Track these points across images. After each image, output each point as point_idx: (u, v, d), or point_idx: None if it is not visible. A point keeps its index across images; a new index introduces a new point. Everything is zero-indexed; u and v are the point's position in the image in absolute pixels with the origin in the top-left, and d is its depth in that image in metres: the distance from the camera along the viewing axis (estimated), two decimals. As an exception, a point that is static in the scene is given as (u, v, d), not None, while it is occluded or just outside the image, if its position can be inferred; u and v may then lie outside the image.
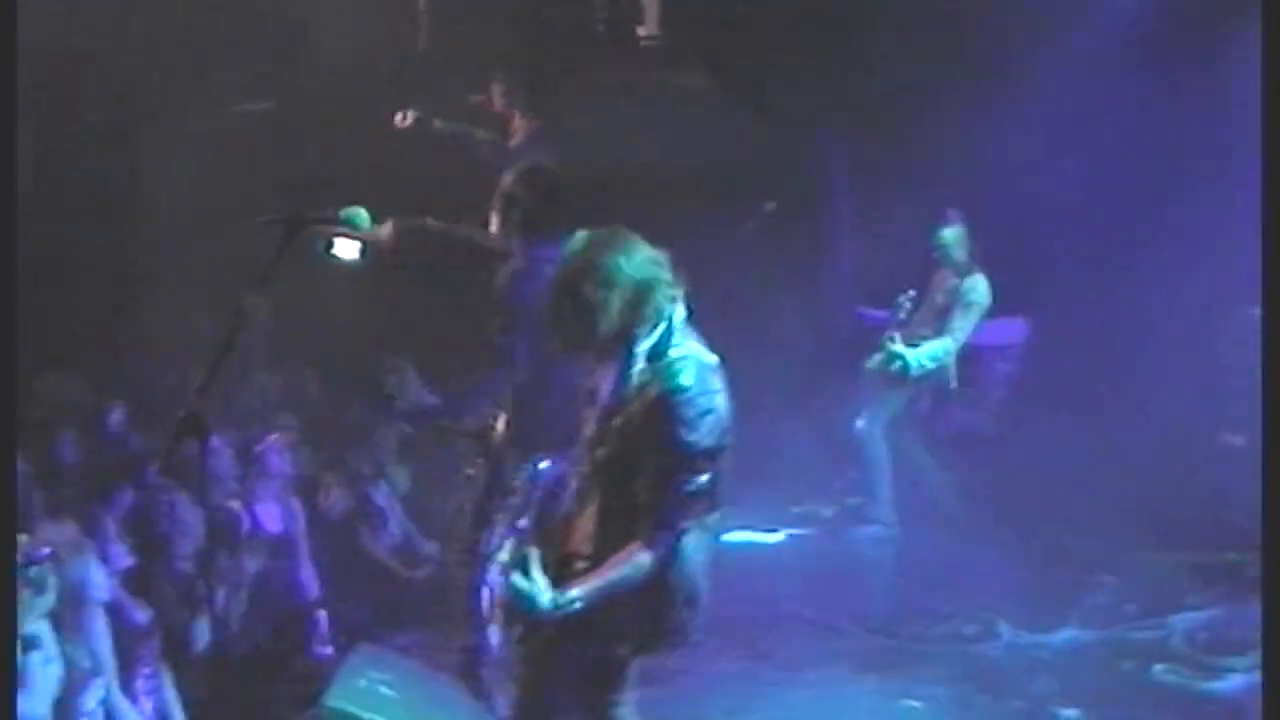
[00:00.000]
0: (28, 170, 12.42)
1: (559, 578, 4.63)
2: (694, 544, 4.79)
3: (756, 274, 11.56)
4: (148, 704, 6.66)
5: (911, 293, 9.79)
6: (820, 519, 10.45)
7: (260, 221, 5.23)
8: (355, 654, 6.90)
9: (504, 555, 4.86)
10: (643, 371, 4.75)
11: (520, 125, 10.73)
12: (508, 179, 6.90)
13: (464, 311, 7.71)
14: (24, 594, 5.85)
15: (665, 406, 4.65)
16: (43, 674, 5.88)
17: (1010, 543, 9.29)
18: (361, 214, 5.37)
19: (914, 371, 9.76)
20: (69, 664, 6.12)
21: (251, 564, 7.77)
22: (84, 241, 11.63)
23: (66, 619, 6.20)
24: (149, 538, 7.17)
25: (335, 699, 6.26)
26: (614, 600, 4.66)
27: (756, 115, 12.02)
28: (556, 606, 4.55)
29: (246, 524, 7.86)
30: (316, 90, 12.95)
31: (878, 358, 9.93)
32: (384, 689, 6.38)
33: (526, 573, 4.54)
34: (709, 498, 4.74)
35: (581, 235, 4.80)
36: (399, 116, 10.66)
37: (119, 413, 8.94)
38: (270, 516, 8.09)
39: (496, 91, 10.84)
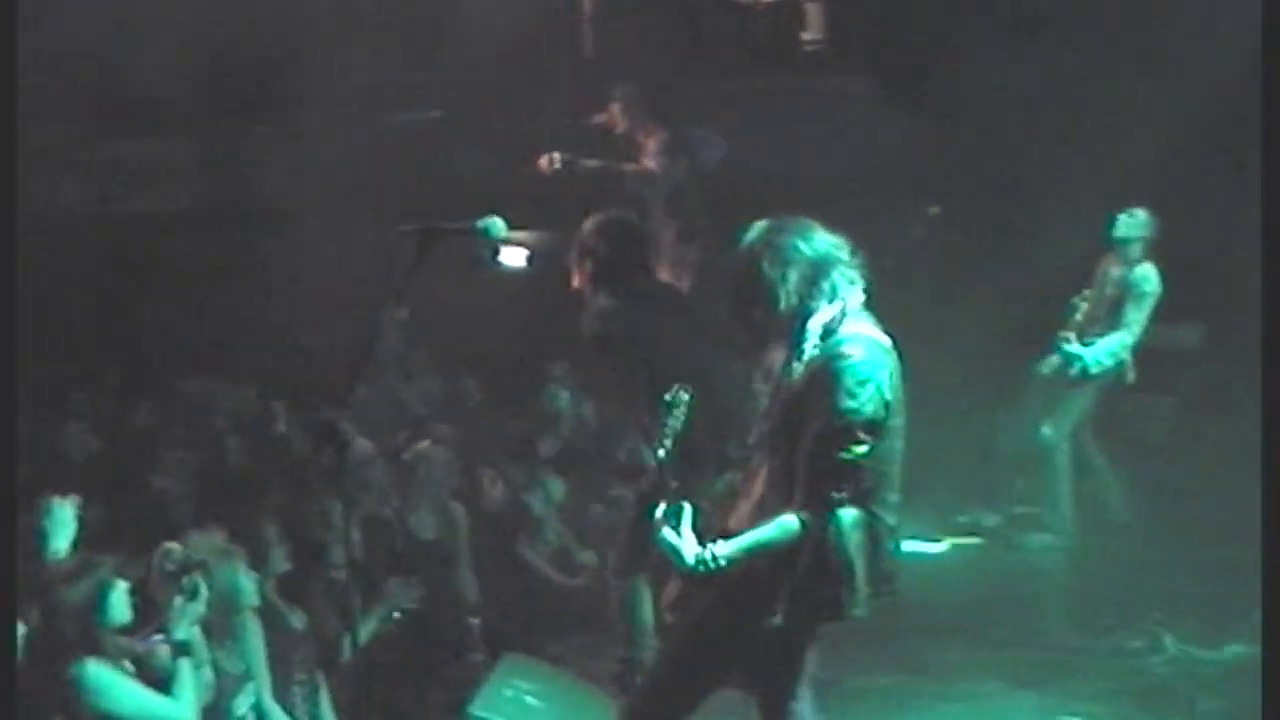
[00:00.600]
0: (194, 181, 12.79)
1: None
2: (852, 520, 4.78)
3: (921, 278, 11.38)
4: (302, 710, 6.75)
5: (1085, 292, 9.60)
6: (985, 528, 10.24)
7: (399, 232, 5.24)
8: (503, 663, 6.92)
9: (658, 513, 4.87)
10: (815, 348, 4.80)
11: (647, 140, 10.64)
12: (585, 229, 7.01)
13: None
14: (176, 600, 5.96)
15: (827, 374, 4.71)
16: (193, 679, 5.96)
17: (1181, 553, 9.02)
18: (497, 223, 5.35)
19: (1093, 371, 9.54)
20: (219, 670, 6.22)
21: (405, 571, 7.80)
22: (250, 248, 11.85)
23: (216, 625, 6.30)
24: (304, 544, 7.27)
25: (480, 708, 6.30)
26: (765, 566, 4.72)
27: (919, 118, 11.87)
28: (700, 562, 4.65)
29: (400, 531, 7.92)
30: (478, 98, 13.07)
31: (1051, 361, 9.73)
32: (530, 699, 6.41)
33: (676, 527, 4.67)
34: (866, 472, 4.75)
35: (760, 222, 4.91)
36: (545, 160, 10.69)
37: (281, 419, 9.07)
38: (424, 524, 8.15)
39: (616, 110, 10.75)
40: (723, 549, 4.69)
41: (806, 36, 13.09)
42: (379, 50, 13.09)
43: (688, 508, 4.71)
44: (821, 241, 4.84)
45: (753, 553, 4.71)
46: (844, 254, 4.87)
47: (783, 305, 4.78)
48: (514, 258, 13.43)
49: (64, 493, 6.52)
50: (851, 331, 4.80)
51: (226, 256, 11.82)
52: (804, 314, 4.81)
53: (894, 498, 4.92)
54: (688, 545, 4.68)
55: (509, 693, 6.43)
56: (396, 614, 7.11)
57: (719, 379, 6.21)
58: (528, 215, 13.31)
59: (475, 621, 7.95)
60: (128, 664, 5.93)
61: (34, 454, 9.20)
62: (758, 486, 4.91)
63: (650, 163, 10.49)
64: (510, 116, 12.97)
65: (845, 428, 4.67)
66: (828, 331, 4.81)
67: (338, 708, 6.87)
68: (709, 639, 4.98)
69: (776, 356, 4.99)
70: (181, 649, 5.89)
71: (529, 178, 11.62)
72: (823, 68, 12.92)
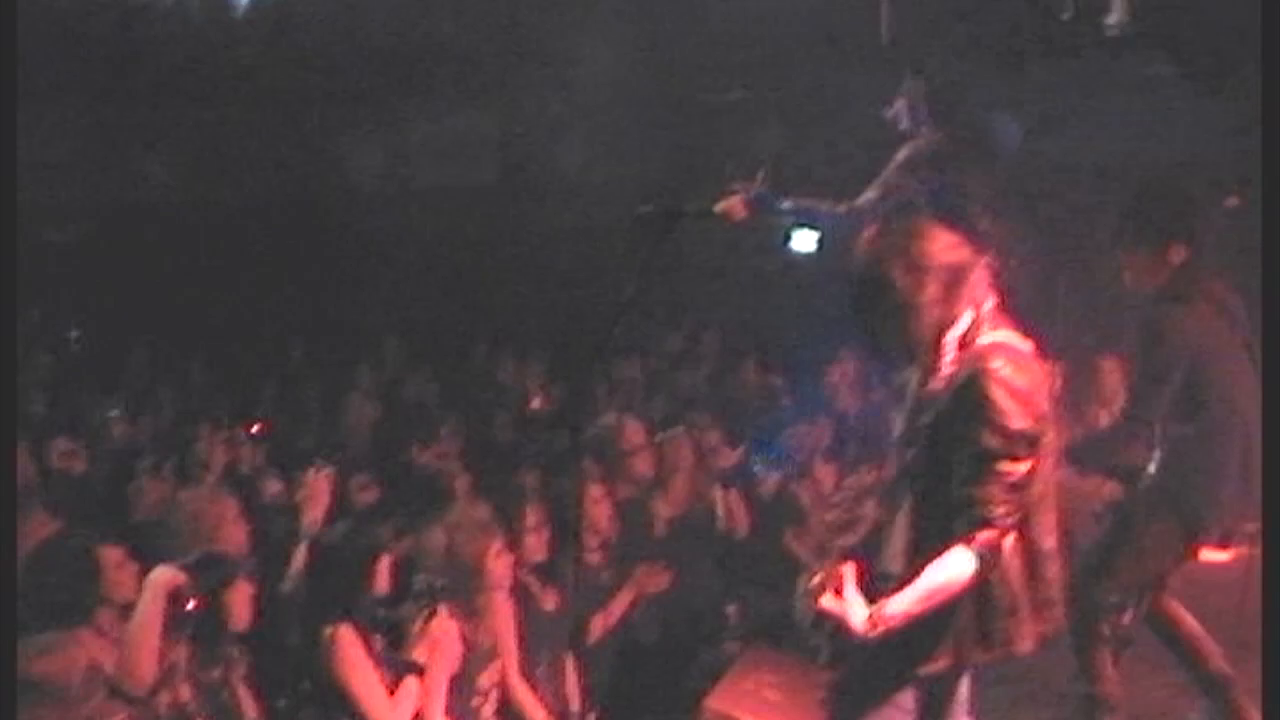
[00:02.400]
0: (494, 155, 13.03)
1: (871, 593, 4.35)
2: (1009, 546, 4.43)
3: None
4: (548, 688, 6.83)
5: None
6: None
7: (638, 214, 5.20)
8: (749, 654, 6.87)
9: (814, 580, 4.48)
10: (951, 362, 4.44)
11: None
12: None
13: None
14: (416, 623, 6.07)
15: (978, 391, 4.33)
16: (446, 633, 6.08)
17: None
18: (739, 207, 5.28)
19: None
20: (469, 644, 6.33)
21: (659, 555, 7.82)
22: (538, 222, 12.01)
23: (468, 600, 6.42)
24: (560, 525, 7.33)
25: (717, 699, 6.25)
26: (934, 610, 4.35)
27: (1225, 104, 11.32)
28: (875, 624, 4.30)
29: (657, 515, 7.93)
30: (782, 78, 13.01)
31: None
32: (769, 692, 6.32)
33: (838, 591, 4.31)
34: (1028, 490, 4.38)
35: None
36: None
37: (539, 398, 9.17)
38: (681, 508, 8.14)
39: (901, 108, 10.39)
40: (896, 604, 4.31)
41: (1110, 20, 12.60)
42: (680, 29, 13.11)
43: (850, 569, 4.34)
44: (948, 244, 4.45)
45: (927, 600, 4.32)
46: (972, 255, 4.48)
47: (922, 321, 4.41)
48: (804, 241, 13.40)
49: (334, 462, 6.73)
50: (994, 341, 4.44)
51: (517, 230, 12.02)
52: (941, 326, 4.44)
53: (1051, 518, 4.56)
54: (856, 609, 4.30)
55: (749, 685, 6.36)
56: None
57: None
58: (822, 198, 13.30)
59: (731, 609, 7.91)
60: (378, 637, 6.12)
61: (321, 422, 9.56)
62: (901, 521, 4.50)
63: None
64: (809, 98, 12.87)
65: (1006, 447, 4.31)
66: (965, 342, 4.44)
67: (585, 688, 6.92)
68: (869, 683, 4.60)
69: (908, 375, 4.61)
70: (415, 668, 6.03)
71: (825, 160, 11.50)
72: (1126, 52, 12.45)
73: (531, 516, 7.07)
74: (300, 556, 6.29)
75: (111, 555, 5.76)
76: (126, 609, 5.53)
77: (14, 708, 4.11)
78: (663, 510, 8.07)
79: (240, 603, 5.60)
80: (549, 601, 7.00)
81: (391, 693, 5.99)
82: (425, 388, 9.82)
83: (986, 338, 4.44)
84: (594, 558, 7.29)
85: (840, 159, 11.20)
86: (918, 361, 4.55)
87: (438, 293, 12.16)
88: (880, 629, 4.31)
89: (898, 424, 4.63)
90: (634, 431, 7.96)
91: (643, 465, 8.00)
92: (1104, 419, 11.23)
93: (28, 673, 4.74)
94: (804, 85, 12.85)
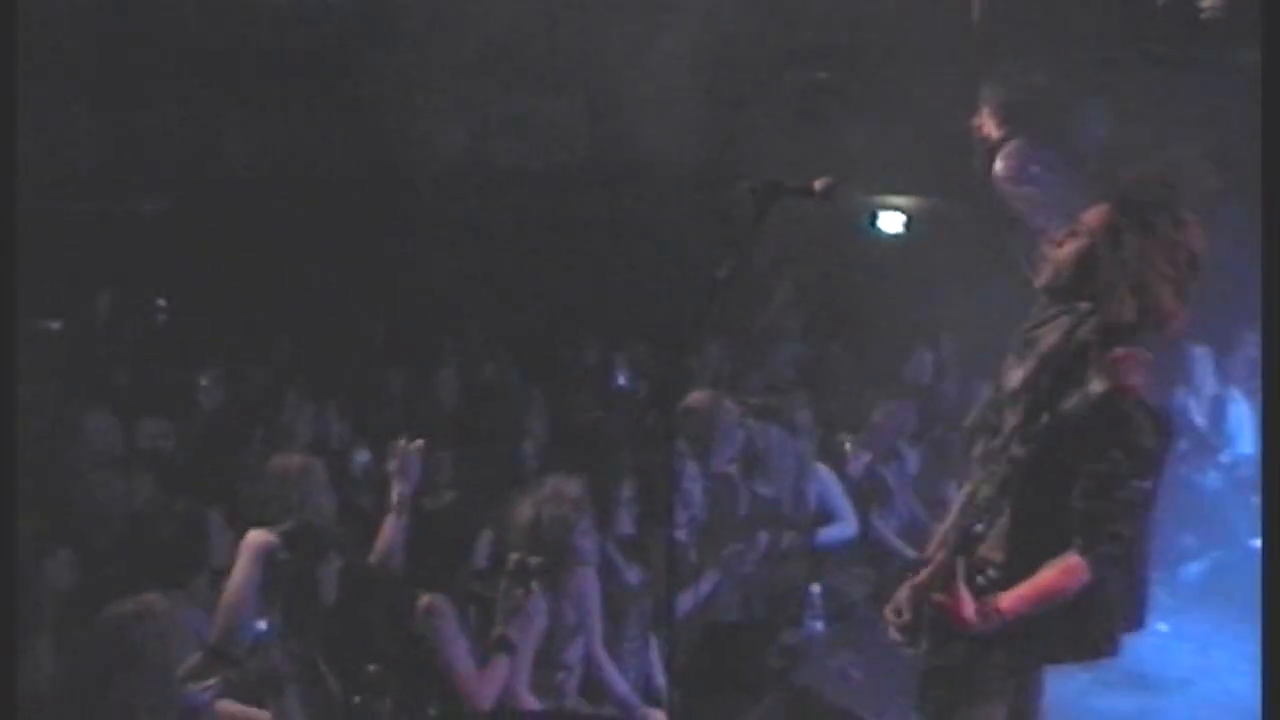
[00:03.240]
0: (578, 136, 13.05)
1: (972, 585, 4.37)
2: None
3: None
4: (631, 663, 6.85)
5: None
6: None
7: (741, 188, 5.16)
8: (830, 632, 6.88)
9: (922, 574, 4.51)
10: (1079, 364, 4.42)
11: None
12: None
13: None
14: (509, 601, 6.10)
15: (1113, 405, 4.32)
16: (538, 612, 6.12)
17: None
18: (840, 187, 5.22)
19: None
20: (554, 618, 6.35)
21: (747, 533, 7.83)
22: (620, 205, 12.02)
23: (556, 575, 6.45)
24: (649, 501, 7.33)
25: (804, 676, 6.26)
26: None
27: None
28: (985, 619, 4.32)
29: (745, 495, 7.93)
30: (869, 66, 12.94)
31: None
32: (854, 671, 6.34)
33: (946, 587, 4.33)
34: (1152, 504, 4.42)
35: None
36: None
37: (624, 374, 9.17)
38: (770, 486, 8.14)
39: (986, 114, 10.14)
40: (1007, 602, 4.35)
41: (1205, 3, 12.45)
42: (762, 11, 13.07)
43: (961, 563, 4.35)
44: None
45: (1039, 603, 4.36)
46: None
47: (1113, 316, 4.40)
48: (891, 223, 13.39)
49: (427, 437, 6.76)
50: (1128, 352, 4.40)
51: (600, 212, 12.03)
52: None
53: (1151, 520, 4.56)
54: (965, 605, 4.32)
55: (833, 663, 6.37)
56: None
57: None
58: (908, 182, 13.24)
59: (816, 589, 7.89)
60: (471, 609, 6.16)
61: (407, 396, 9.62)
62: (1006, 518, 4.46)
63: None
64: (894, 81, 12.79)
65: (1137, 463, 4.31)
66: (1097, 352, 4.40)
67: (670, 664, 6.92)
68: (976, 686, 4.59)
69: (1016, 375, 4.57)
70: (507, 645, 6.07)
71: (910, 145, 11.45)
72: (1221, 37, 12.29)
73: (623, 492, 7.10)
74: (390, 528, 6.33)
75: (214, 520, 5.84)
76: (223, 574, 5.62)
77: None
78: (762, 488, 8.07)
79: (329, 576, 5.65)
80: (634, 578, 7.02)
81: (480, 667, 6.03)
82: (508, 367, 9.86)
83: (1120, 349, 4.40)
84: (682, 535, 7.29)
85: (924, 143, 11.18)
86: (1024, 357, 4.55)
87: (520, 273, 12.20)
88: (989, 624, 4.34)
89: (1009, 418, 4.55)
90: (725, 410, 7.95)
91: (733, 444, 7.99)
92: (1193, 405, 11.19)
93: (127, 634, 4.79)
94: (889, 71, 12.77)
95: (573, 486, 6.65)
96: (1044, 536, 4.40)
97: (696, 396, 7.89)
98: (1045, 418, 4.41)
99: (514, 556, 6.18)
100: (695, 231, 10.98)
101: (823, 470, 8.63)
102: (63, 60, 11.60)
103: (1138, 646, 4.81)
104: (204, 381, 9.31)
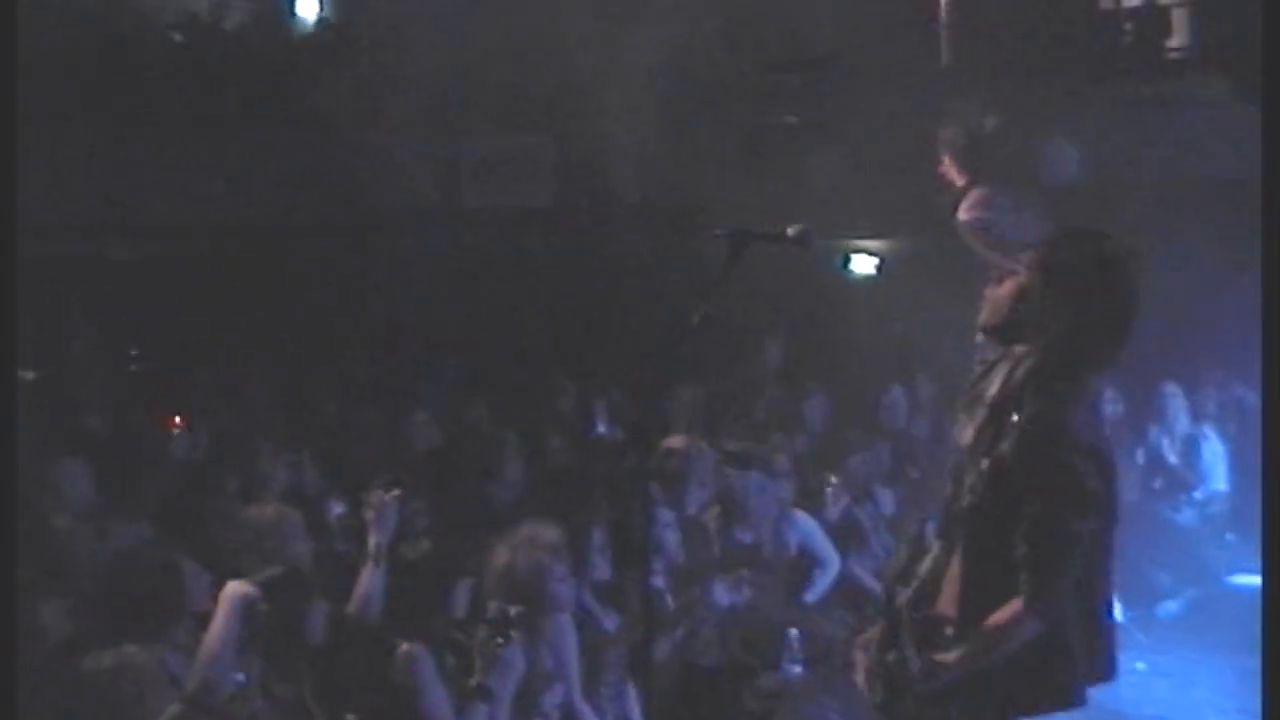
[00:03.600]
0: (549, 180, 13.08)
1: (926, 638, 4.30)
2: (1068, 596, 4.31)
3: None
4: (609, 709, 6.83)
5: None
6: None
7: (713, 235, 5.16)
8: (809, 676, 6.88)
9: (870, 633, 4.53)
10: (1015, 407, 4.33)
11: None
12: None
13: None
14: (487, 648, 6.10)
15: (1046, 444, 4.23)
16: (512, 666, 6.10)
17: None
18: (809, 232, 5.23)
19: None
20: (531, 665, 6.33)
21: (724, 579, 7.81)
22: (594, 246, 12.03)
23: (533, 621, 6.43)
24: (624, 547, 7.33)
25: (783, 722, 6.26)
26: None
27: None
28: (929, 676, 4.26)
29: (719, 540, 7.93)
30: (837, 104, 13.02)
31: None
32: (833, 716, 6.34)
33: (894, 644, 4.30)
34: (1094, 548, 4.30)
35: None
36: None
37: (603, 420, 9.17)
38: (748, 531, 8.14)
39: (948, 160, 9.99)
40: (952, 657, 4.24)
41: (1172, 43, 12.59)
42: (733, 53, 13.14)
43: (905, 619, 4.31)
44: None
45: (983, 660, 4.27)
46: None
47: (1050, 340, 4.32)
48: (864, 265, 13.43)
49: (399, 485, 6.74)
50: (1066, 388, 4.30)
51: (571, 253, 12.04)
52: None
53: (1109, 565, 4.46)
54: (911, 659, 4.26)
55: (811, 708, 6.37)
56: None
57: None
58: (878, 224, 13.29)
59: (794, 632, 7.88)
60: (450, 657, 6.14)
61: (381, 441, 9.59)
62: (956, 568, 4.39)
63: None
64: (864, 123, 12.86)
65: (1075, 504, 4.19)
66: (1031, 393, 4.31)
67: (648, 709, 6.90)
68: None
69: (968, 433, 4.45)
70: (486, 693, 6.05)
71: (880, 187, 11.50)
72: (1188, 74, 12.42)
73: (597, 539, 7.10)
74: (367, 577, 6.31)
75: (190, 567, 5.82)
76: (203, 620, 5.60)
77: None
78: (741, 534, 8.07)
79: (316, 619, 5.62)
80: (610, 623, 7.01)
81: (458, 716, 6.01)
82: (483, 411, 9.85)
83: (1061, 383, 4.31)
84: (658, 581, 7.28)
85: (894, 184, 11.22)
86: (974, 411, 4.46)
87: (493, 315, 12.21)
88: (936, 681, 4.27)
89: (968, 476, 4.43)
90: (701, 454, 7.95)
91: (707, 489, 7.99)
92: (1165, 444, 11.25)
93: (106, 688, 4.78)
94: (858, 110, 12.85)
95: (549, 532, 6.65)
96: (995, 588, 4.29)
97: (672, 441, 7.89)
98: (984, 463, 4.33)
99: (493, 605, 6.17)
100: (670, 273, 11.01)
101: (800, 516, 8.61)
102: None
103: (1116, 685, 4.74)
104: (176, 429, 9.27)
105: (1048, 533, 4.21)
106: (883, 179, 11.56)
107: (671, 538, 7.53)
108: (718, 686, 7.44)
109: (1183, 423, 11.35)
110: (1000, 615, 4.26)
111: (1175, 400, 11.35)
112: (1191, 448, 11.27)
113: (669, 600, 7.35)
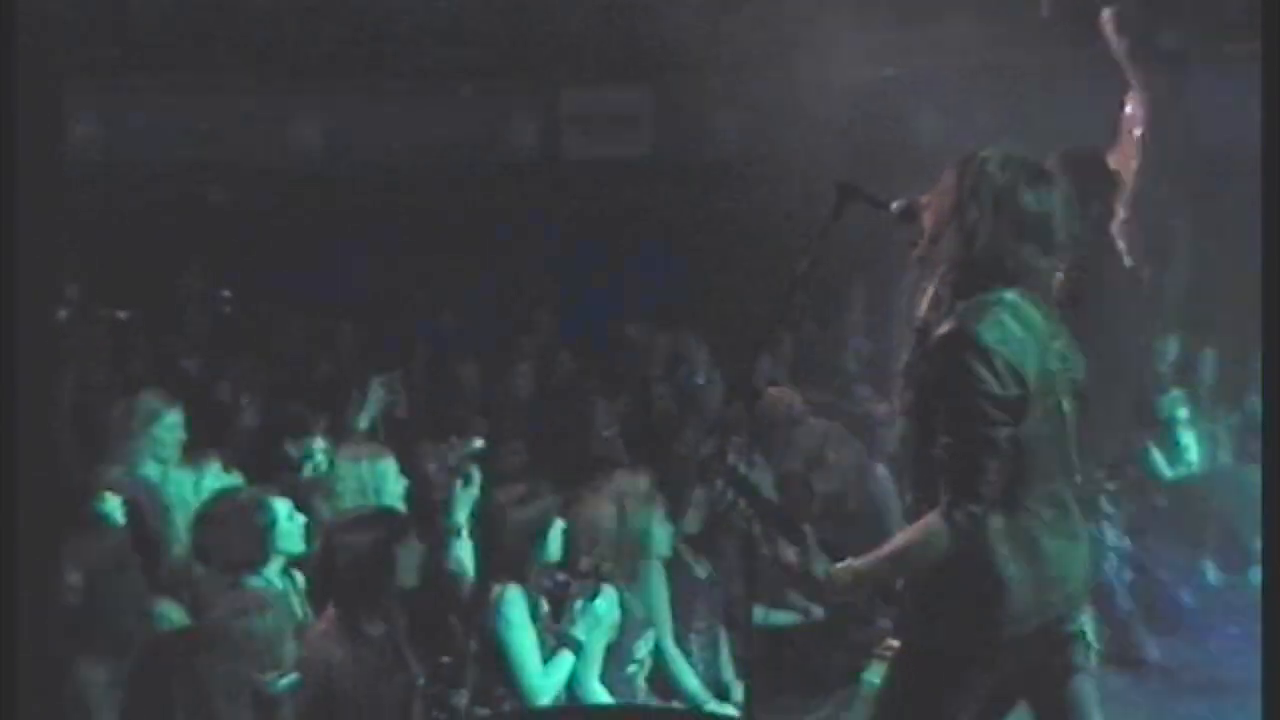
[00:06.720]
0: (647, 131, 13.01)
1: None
2: (1000, 528, 4.10)
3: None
4: (700, 658, 6.83)
5: None
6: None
7: (839, 182, 5.08)
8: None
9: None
10: (936, 320, 4.18)
11: None
12: None
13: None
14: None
15: (950, 346, 4.07)
16: (566, 669, 6.10)
17: None
18: (911, 207, 5.15)
19: None
20: (625, 611, 6.34)
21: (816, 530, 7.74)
22: (695, 200, 11.98)
23: (626, 569, 6.44)
24: (717, 499, 7.29)
25: (874, 674, 6.20)
26: (921, 582, 4.15)
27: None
28: (830, 577, 4.18)
29: (813, 490, 7.87)
30: (934, 57, 12.86)
31: None
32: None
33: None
34: (1011, 463, 4.07)
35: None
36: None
37: (701, 370, 9.12)
38: (832, 483, 8.07)
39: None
40: (860, 561, 4.14)
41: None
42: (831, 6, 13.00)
43: (808, 527, 4.29)
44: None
45: (893, 565, 4.16)
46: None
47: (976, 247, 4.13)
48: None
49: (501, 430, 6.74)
50: (981, 298, 4.13)
51: (673, 207, 11.97)
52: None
53: (1059, 491, 4.23)
54: (817, 562, 4.20)
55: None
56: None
57: None
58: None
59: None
60: (545, 602, 6.15)
61: (485, 395, 9.62)
62: (909, 471, 4.28)
63: None
64: (964, 76, 12.69)
65: (978, 407, 4.00)
66: (949, 304, 4.15)
67: (738, 659, 6.89)
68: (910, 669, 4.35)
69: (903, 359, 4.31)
70: (573, 643, 6.06)
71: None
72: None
73: (692, 487, 7.08)
74: (460, 520, 6.34)
75: (282, 509, 5.86)
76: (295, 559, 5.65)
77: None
78: (822, 485, 8.00)
79: (410, 559, 5.65)
80: (701, 571, 7.00)
81: (546, 660, 6.03)
82: (578, 361, 9.85)
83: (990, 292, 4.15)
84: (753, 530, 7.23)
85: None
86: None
87: (590, 265, 12.19)
88: (838, 588, 4.21)
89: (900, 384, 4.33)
90: (797, 405, 7.90)
91: (805, 439, 7.93)
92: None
93: (228, 625, 4.84)
94: (957, 62, 12.68)
95: (642, 480, 6.67)
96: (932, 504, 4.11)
97: (771, 391, 7.85)
98: (923, 362, 4.20)
99: (585, 560, 6.19)
100: (769, 226, 10.93)
101: (880, 469, 8.53)
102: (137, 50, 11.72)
103: (1210, 649, 4.57)
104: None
105: (956, 438, 4.04)
106: (984, 139, 11.39)
107: (765, 489, 7.47)
108: (808, 639, 7.41)
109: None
110: (912, 528, 4.14)
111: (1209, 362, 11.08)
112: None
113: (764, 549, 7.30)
